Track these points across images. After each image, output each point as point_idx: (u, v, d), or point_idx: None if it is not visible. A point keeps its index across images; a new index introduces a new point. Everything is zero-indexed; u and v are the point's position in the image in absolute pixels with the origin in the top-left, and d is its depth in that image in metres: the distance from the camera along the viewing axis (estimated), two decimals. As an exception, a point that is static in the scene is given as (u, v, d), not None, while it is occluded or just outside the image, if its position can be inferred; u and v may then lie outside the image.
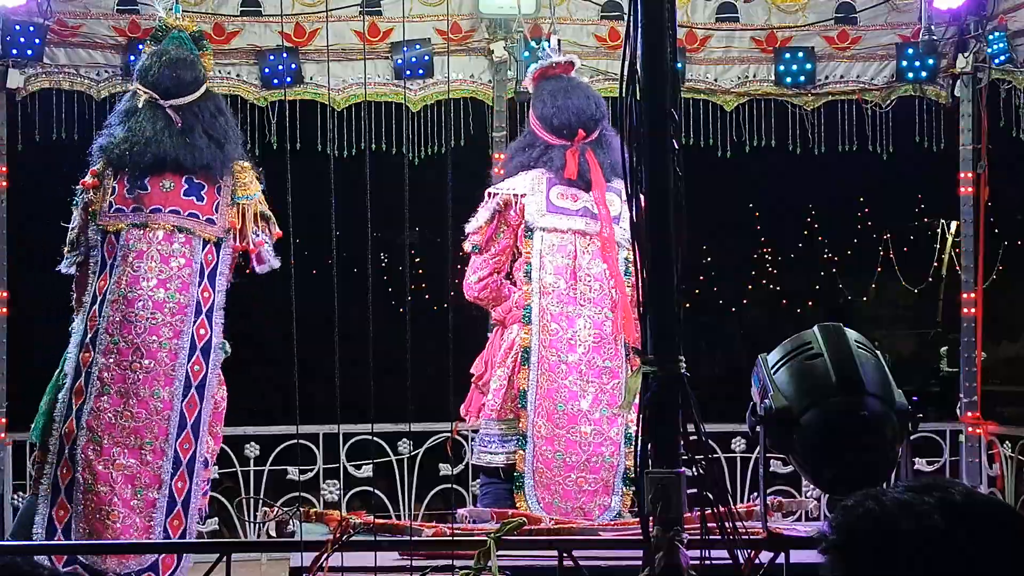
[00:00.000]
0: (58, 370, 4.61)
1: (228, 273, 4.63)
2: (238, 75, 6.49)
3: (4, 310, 6.26)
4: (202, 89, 4.68)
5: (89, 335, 4.50)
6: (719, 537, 2.63)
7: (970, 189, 6.80)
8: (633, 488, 4.74)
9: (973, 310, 6.83)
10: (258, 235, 4.63)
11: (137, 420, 4.42)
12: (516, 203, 5.11)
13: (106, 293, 4.50)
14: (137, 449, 4.42)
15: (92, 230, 4.59)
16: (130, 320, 4.47)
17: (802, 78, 6.73)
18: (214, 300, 4.55)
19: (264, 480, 6.54)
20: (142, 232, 4.53)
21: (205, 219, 4.57)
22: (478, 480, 6.60)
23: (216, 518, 6.52)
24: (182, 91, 4.63)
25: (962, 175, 6.80)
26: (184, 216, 4.55)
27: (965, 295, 6.86)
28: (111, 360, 4.45)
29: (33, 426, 4.67)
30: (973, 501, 1.55)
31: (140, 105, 4.65)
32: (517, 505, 4.93)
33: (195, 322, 4.49)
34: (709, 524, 2.62)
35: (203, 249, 4.55)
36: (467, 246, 5.21)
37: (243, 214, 4.59)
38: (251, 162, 4.82)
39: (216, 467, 6.38)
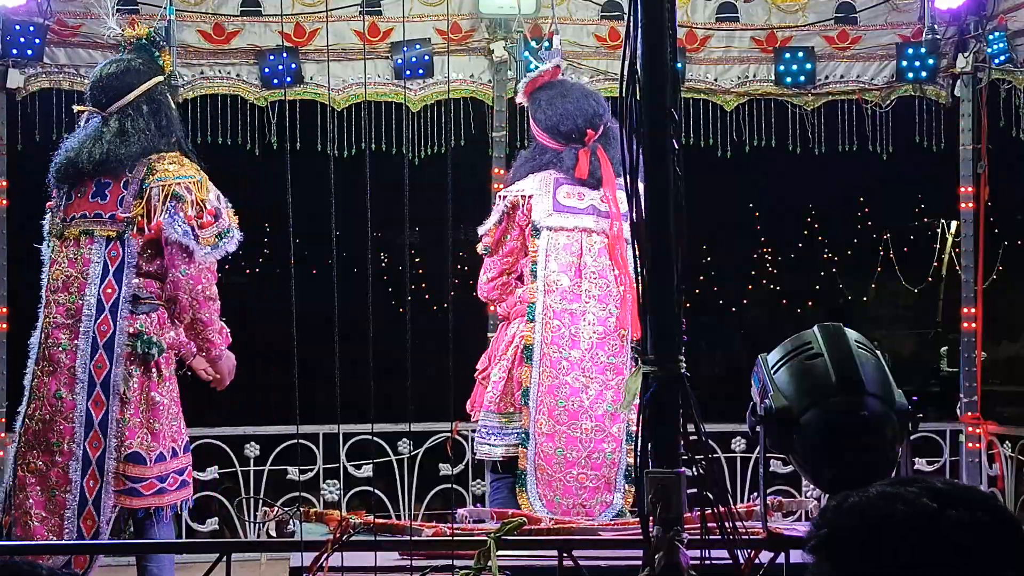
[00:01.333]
0: None
1: (138, 264, 4.58)
2: (238, 75, 6.49)
3: (4, 310, 6.28)
4: (138, 90, 4.71)
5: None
6: (719, 537, 2.63)
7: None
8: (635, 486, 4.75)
9: (973, 310, 6.84)
10: (169, 210, 4.55)
11: (43, 422, 4.49)
12: (524, 204, 5.14)
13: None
14: (47, 451, 4.47)
15: (45, 247, 4.73)
16: (41, 328, 4.59)
17: (802, 78, 6.73)
18: (119, 295, 4.54)
19: (264, 480, 6.54)
20: (59, 243, 4.65)
21: (108, 216, 4.60)
22: (479, 480, 6.60)
23: (216, 518, 6.52)
24: (115, 98, 4.70)
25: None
26: (90, 218, 4.62)
27: (965, 295, 6.87)
28: (37, 369, 4.57)
29: None
30: (956, 487, 1.56)
31: (82, 123, 4.79)
32: (519, 503, 4.94)
33: (97, 320, 4.51)
34: (709, 524, 2.62)
35: (107, 247, 4.58)
36: (479, 248, 5.26)
37: (148, 197, 4.58)
38: (187, 153, 4.77)
39: (216, 467, 6.40)
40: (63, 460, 4.46)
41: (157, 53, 4.83)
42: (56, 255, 4.63)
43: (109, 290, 4.54)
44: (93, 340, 4.50)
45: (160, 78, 4.81)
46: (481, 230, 5.25)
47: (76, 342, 4.51)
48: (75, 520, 4.43)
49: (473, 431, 6.62)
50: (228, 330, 4.76)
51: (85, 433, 4.45)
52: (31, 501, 4.45)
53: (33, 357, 4.61)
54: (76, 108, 4.98)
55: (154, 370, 4.56)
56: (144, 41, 4.82)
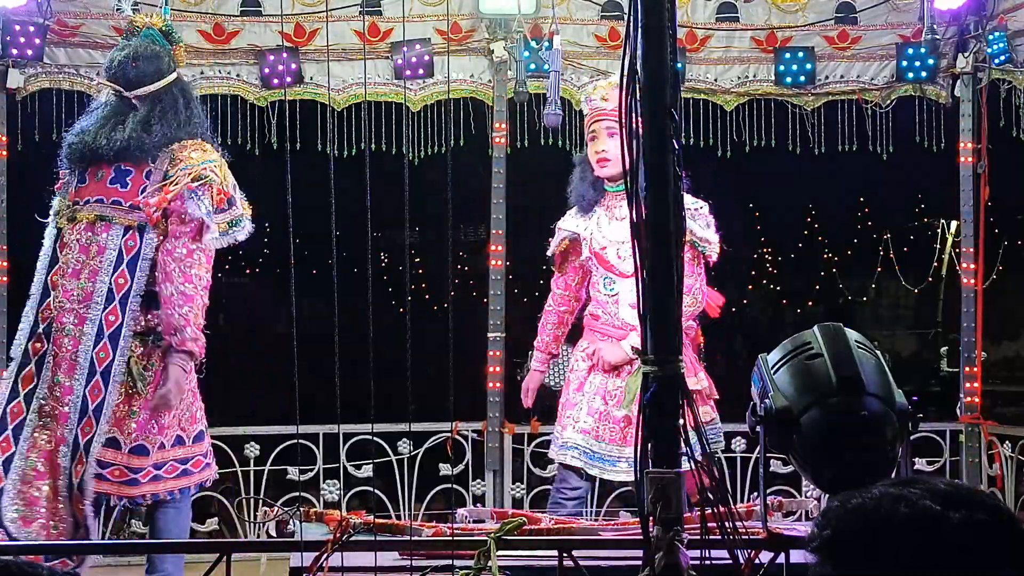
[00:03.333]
0: None
1: (153, 257, 4.55)
2: (238, 75, 6.50)
3: (4, 309, 6.28)
4: (166, 79, 4.69)
5: (42, 326, 4.56)
6: (719, 537, 2.63)
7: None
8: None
9: (973, 310, 6.84)
10: (191, 195, 4.52)
11: (49, 406, 4.47)
12: None
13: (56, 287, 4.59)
14: (51, 437, 4.46)
15: (51, 227, 4.67)
16: (41, 309, 4.55)
17: (802, 78, 6.73)
18: (131, 287, 4.52)
19: (264, 480, 6.54)
20: (72, 224, 4.59)
21: (128, 205, 4.56)
22: (479, 480, 6.60)
23: (216, 518, 6.52)
24: (144, 82, 4.66)
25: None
26: (107, 204, 4.57)
27: (965, 295, 6.87)
28: (44, 347, 4.53)
29: None
30: (959, 488, 1.56)
31: (103, 99, 4.72)
32: None
33: (105, 309, 4.49)
34: (709, 524, 2.62)
35: (124, 236, 4.54)
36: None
37: (176, 183, 4.54)
38: (209, 140, 4.73)
39: (216, 467, 6.40)
40: (56, 447, 4.45)
41: (171, 47, 4.79)
42: (66, 238, 4.58)
43: (121, 280, 4.51)
44: (99, 328, 4.48)
45: (179, 70, 4.79)
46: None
47: (82, 328, 4.48)
48: (68, 506, 4.43)
49: (475, 432, 6.65)
50: (204, 342, 4.62)
51: (79, 419, 4.44)
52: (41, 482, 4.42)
53: (32, 333, 4.55)
54: (97, 81, 4.94)
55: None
56: (153, 31, 4.77)
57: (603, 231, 5.20)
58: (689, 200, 5.19)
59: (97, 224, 4.56)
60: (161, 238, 4.54)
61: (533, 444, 6.60)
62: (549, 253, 5.43)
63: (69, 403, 4.45)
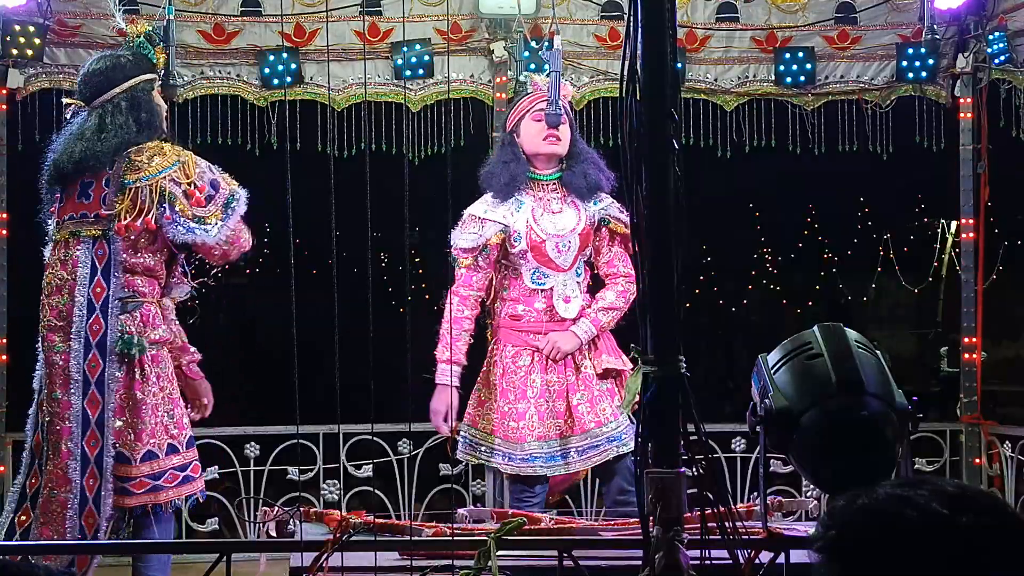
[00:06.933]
0: None
1: (126, 259, 4.55)
2: (238, 75, 6.49)
3: (4, 310, 6.28)
4: (122, 86, 4.66)
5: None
6: (719, 537, 2.63)
7: (971, 221, 6.81)
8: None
9: (973, 310, 6.84)
10: (164, 211, 4.50)
11: (49, 425, 4.50)
12: None
13: None
14: (55, 454, 4.48)
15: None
16: (38, 331, 4.58)
17: (802, 78, 6.72)
18: (108, 294, 4.53)
19: (264, 480, 6.54)
20: (52, 247, 4.64)
21: (92, 215, 4.57)
22: (479, 480, 6.60)
23: (216, 518, 6.53)
24: (99, 93, 4.67)
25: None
26: (77, 219, 4.59)
27: (965, 295, 6.87)
28: (42, 372, 4.57)
29: None
30: (966, 491, 1.55)
31: (69, 116, 4.75)
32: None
33: (88, 320, 4.51)
34: (709, 524, 2.62)
35: (93, 246, 4.55)
36: None
37: (134, 195, 4.51)
38: (167, 141, 4.69)
39: (216, 467, 6.40)
40: (62, 460, 4.45)
41: (151, 50, 4.76)
42: (50, 259, 4.63)
43: (98, 289, 4.53)
44: (86, 340, 4.49)
45: (150, 76, 4.72)
46: None
47: (69, 343, 4.50)
48: (76, 519, 4.43)
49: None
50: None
51: (83, 432, 4.44)
52: (54, 504, 4.45)
53: (40, 360, 4.62)
54: (65, 100, 4.95)
55: (136, 369, 4.54)
56: (140, 38, 4.77)
57: (540, 224, 5.00)
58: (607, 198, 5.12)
59: (70, 240, 4.58)
60: (126, 239, 4.55)
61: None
62: (473, 244, 5.05)
63: (69, 417, 4.45)
